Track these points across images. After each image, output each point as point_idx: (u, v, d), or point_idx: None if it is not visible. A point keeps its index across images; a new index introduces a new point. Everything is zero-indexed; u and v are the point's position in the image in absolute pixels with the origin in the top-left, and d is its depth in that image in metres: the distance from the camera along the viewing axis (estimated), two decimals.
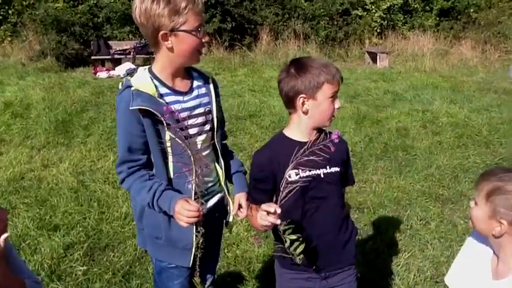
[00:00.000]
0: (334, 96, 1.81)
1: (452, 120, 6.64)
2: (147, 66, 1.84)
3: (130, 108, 1.68)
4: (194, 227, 1.74)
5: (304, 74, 1.78)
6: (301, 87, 1.78)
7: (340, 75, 1.82)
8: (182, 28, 1.68)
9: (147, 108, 1.67)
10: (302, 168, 1.81)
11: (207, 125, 1.88)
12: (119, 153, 1.82)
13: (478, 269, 1.61)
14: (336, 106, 1.83)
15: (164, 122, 1.67)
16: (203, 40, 1.75)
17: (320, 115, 1.83)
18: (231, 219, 2.08)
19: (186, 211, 1.64)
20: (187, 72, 1.90)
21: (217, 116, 1.90)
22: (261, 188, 1.90)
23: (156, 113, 1.67)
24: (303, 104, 1.80)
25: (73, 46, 10.80)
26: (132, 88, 1.72)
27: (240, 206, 1.94)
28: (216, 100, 1.90)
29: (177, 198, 1.70)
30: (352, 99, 7.84)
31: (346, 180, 2.00)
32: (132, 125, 1.72)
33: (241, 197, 1.95)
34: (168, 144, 1.75)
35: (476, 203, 1.53)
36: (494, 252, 1.59)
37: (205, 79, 1.93)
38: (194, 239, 1.78)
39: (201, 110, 1.86)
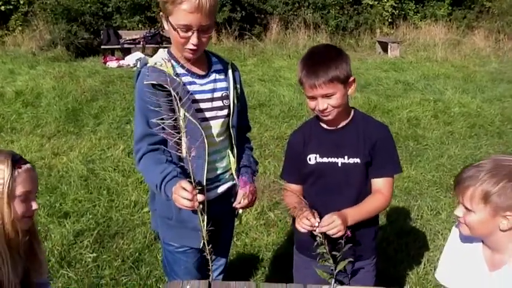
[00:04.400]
0: (312, 98, 1.78)
1: (464, 110, 6.56)
2: (167, 48, 1.85)
3: (145, 82, 1.70)
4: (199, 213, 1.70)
5: None
6: None
7: (312, 81, 1.74)
8: (169, 19, 1.69)
9: (161, 83, 1.67)
10: (321, 153, 1.82)
11: (224, 110, 1.87)
12: (136, 131, 1.79)
13: (470, 262, 1.59)
14: (316, 107, 1.79)
15: (177, 98, 1.66)
16: (190, 41, 1.69)
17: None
18: (239, 208, 2.08)
19: (181, 191, 1.60)
20: (206, 56, 1.89)
21: (234, 102, 1.88)
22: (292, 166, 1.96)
23: (170, 89, 1.66)
24: None
25: (83, 35, 10.81)
26: (148, 65, 1.75)
27: (243, 197, 1.93)
28: (234, 86, 1.89)
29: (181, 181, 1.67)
30: (362, 89, 7.76)
31: (374, 170, 1.86)
32: (149, 100, 1.71)
33: (244, 189, 1.93)
34: (182, 122, 1.73)
35: (468, 210, 1.50)
36: (484, 243, 1.57)
37: (224, 65, 1.92)
38: (201, 222, 1.75)
39: (217, 94, 1.85)
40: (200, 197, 1.60)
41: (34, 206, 1.51)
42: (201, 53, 1.83)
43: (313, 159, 1.86)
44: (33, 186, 1.50)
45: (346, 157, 1.82)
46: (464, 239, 1.64)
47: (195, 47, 1.70)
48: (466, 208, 1.51)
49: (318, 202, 1.86)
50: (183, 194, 1.59)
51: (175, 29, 1.68)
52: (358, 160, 1.82)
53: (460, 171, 1.56)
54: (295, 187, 1.96)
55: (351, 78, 1.81)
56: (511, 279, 1.47)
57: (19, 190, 1.45)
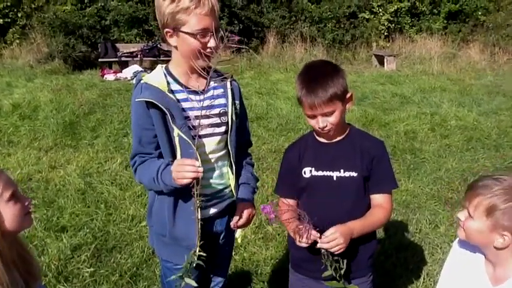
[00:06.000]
0: (312, 116, 1.79)
1: (461, 123, 6.59)
2: (166, 64, 1.85)
3: (136, 100, 1.71)
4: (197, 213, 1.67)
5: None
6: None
7: (311, 101, 1.73)
8: (183, 29, 1.68)
9: (152, 101, 1.67)
10: (316, 167, 1.82)
11: (221, 127, 1.84)
12: (132, 146, 1.84)
13: (473, 276, 1.59)
14: (316, 125, 1.80)
15: (169, 117, 1.65)
16: (208, 45, 1.70)
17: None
18: (237, 234, 2.08)
19: (182, 166, 1.59)
20: (205, 71, 1.88)
21: (232, 119, 1.85)
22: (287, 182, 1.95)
23: (162, 107, 1.67)
24: None
25: (81, 49, 10.85)
26: (142, 81, 1.74)
27: (240, 216, 1.92)
28: (232, 102, 1.87)
29: None
30: (359, 102, 7.80)
31: (373, 186, 1.86)
32: (142, 118, 1.73)
33: (242, 207, 1.93)
34: (176, 140, 1.73)
35: (471, 216, 1.51)
36: (486, 258, 1.57)
37: (224, 80, 1.89)
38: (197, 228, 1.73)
39: (215, 111, 1.83)
40: (201, 168, 1.57)
41: (27, 200, 1.47)
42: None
43: (308, 172, 1.86)
44: (12, 184, 1.44)
45: (341, 170, 1.82)
46: (467, 251, 1.64)
47: (212, 51, 1.72)
48: (469, 213, 1.52)
49: (313, 216, 1.86)
50: (185, 168, 1.58)
51: (193, 36, 1.67)
52: (354, 174, 1.82)
53: (477, 177, 1.57)
54: (290, 202, 1.95)
55: (348, 94, 1.81)
56: None
57: (5, 196, 1.39)
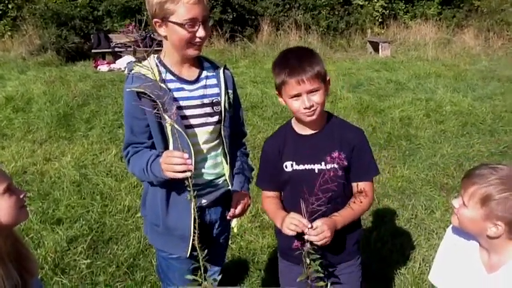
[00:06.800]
0: (296, 96, 1.75)
1: (456, 108, 6.59)
2: (157, 54, 1.84)
3: (127, 89, 1.71)
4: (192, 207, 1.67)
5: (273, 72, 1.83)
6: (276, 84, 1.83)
7: (299, 76, 1.71)
8: (171, 19, 1.66)
9: (143, 90, 1.66)
10: (297, 160, 1.82)
11: (214, 117, 1.83)
12: (124, 137, 1.83)
13: (467, 263, 1.59)
14: (301, 105, 1.75)
15: (160, 106, 1.65)
16: (196, 35, 1.69)
17: (294, 114, 1.84)
18: (233, 224, 2.08)
19: (170, 158, 1.59)
20: (198, 61, 1.86)
21: (225, 108, 1.84)
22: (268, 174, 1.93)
23: (152, 96, 1.65)
24: (285, 101, 1.82)
25: (73, 40, 10.73)
26: (133, 71, 1.72)
27: (236, 206, 1.93)
28: (225, 92, 1.85)
29: None
30: (354, 89, 7.79)
31: (355, 175, 1.86)
32: (133, 108, 1.72)
33: (237, 198, 1.94)
34: (168, 130, 1.73)
35: (465, 204, 1.50)
36: (480, 245, 1.57)
37: (217, 70, 1.88)
38: (192, 225, 1.73)
39: (207, 100, 1.82)
40: (189, 161, 1.57)
41: (21, 193, 1.46)
42: (194, 57, 1.81)
43: (289, 166, 1.85)
44: (7, 177, 1.43)
45: (322, 163, 1.80)
46: (460, 237, 1.64)
47: (201, 40, 1.71)
48: (463, 202, 1.51)
49: (296, 209, 1.84)
50: (173, 160, 1.58)
51: (182, 26, 1.65)
52: (335, 165, 1.80)
53: (476, 166, 1.56)
54: (272, 194, 1.96)
55: (328, 77, 1.81)
56: (510, 280, 1.46)
57: (0, 189, 1.38)
